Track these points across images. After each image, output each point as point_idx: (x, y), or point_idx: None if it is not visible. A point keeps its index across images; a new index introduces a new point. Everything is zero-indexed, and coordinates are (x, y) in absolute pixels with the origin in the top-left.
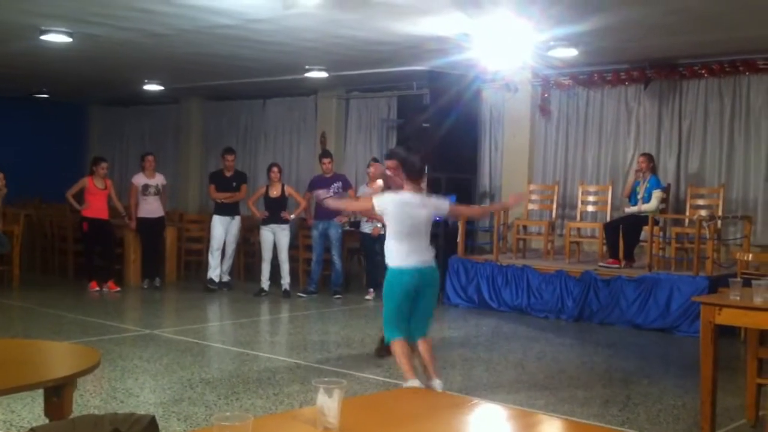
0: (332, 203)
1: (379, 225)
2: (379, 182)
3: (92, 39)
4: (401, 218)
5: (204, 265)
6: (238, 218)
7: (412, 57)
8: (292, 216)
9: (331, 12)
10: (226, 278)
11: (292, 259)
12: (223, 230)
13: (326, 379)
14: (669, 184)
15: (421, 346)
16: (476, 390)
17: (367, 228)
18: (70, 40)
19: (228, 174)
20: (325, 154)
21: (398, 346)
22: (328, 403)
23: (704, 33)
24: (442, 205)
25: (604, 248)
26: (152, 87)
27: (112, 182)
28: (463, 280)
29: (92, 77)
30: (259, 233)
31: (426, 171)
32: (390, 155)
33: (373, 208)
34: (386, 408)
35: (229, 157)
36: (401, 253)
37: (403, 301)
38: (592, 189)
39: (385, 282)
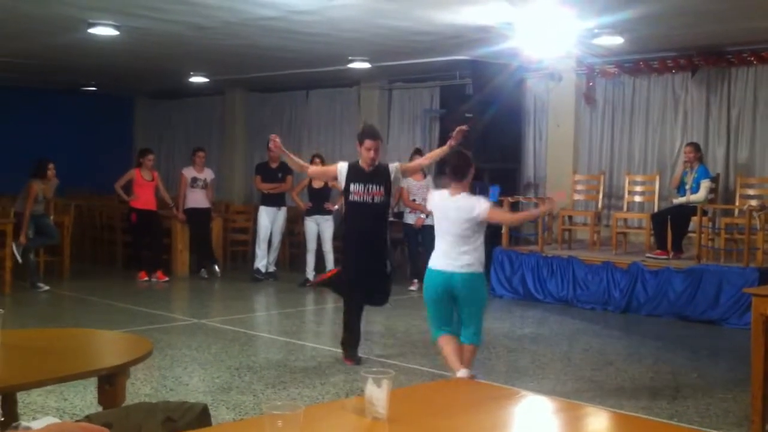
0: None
1: (422, 216)
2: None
3: (139, 32)
4: (437, 218)
5: (249, 256)
6: (284, 209)
7: (455, 47)
8: (336, 207)
9: (374, 2)
10: (272, 269)
11: (337, 250)
12: (269, 221)
13: (374, 369)
14: (718, 174)
15: (463, 348)
16: (522, 381)
17: (410, 219)
18: (117, 33)
19: (273, 165)
20: None
21: (441, 343)
22: (377, 393)
23: (753, 19)
24: (477, 208)
25: (652, 239)
26: (198, 79)
27: (159, 174)
28: (507, 271)
29: (139, 70)
30: (304, 224)
31: (468, 173)
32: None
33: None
34: (434, 399)
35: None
36: (435, 253)
37: (436, 302)
38: (638, 179)
39: None
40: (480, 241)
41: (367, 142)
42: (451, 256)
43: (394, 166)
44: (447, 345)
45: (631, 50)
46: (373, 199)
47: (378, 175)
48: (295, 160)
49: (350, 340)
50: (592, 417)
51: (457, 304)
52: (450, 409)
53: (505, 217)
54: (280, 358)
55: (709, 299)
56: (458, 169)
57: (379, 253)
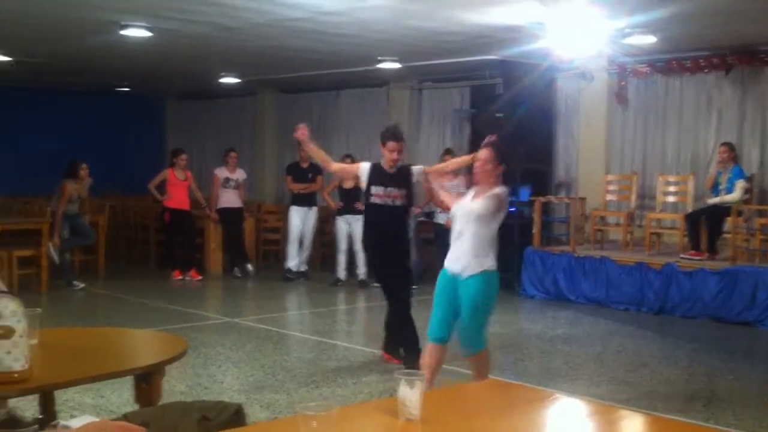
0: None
1: None
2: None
3: (170, 33)
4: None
5: (281, 255)
6: (314, 209)
7: (485, 46)
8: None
9: (403, 3)
10: (303, 268)
11: None
12: (300, 221)
13: (407, 370)
14: (753, 174)
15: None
16: (555, 383)
17: (440, 219)
18: (149, 34)
19: (304, 165)
20: None
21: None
22: (410, 394)
23: None
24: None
25: (686, 240)
26: (228, 80)
27: (191, 173)
28: (539, 271)
29: (170, 71)
30: (335, 224)
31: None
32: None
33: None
34: (467, 400)
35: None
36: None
37: (437, 301)
38: (672, 179)
39: None
40: (491, 238)
41: (390, 144)
42: (455, 255)
43: (417, 169)
44: (424, 355)
45: (663, 49)
46: (393, 201)
47: (399, 177)
48: (319, 153)
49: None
50: (627, 420)
51: (459, 307)
52: (483, 411)
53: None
54: (312, 357)
55: (744, 300)
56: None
57: (396, 255)
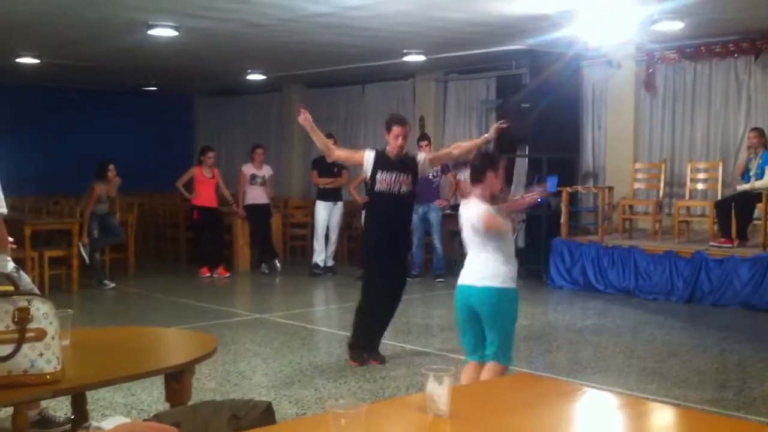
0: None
1: None
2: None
3: (197, 32)
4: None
5: (308, 250)
6: (340, 203)
7: (510, 36)
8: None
9: None
10: (330, 263)
11: None
12: (326, 215)
13: (435, 366)
14: None
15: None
16: (584, 374)
17: None
18: (176, 33)
19: (329, 159)
20: (423, 137)
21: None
22: (438, 390)
23: None
24: (476, 215)
25: (715, 227)
26: (255, 76)
27: (219, 171)
28: (567, 262)
29: (198, 69)
30: (361, 218)
31: (484, 175)
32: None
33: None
34: (495, 395)
35: (329, 141)
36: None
37: (459, 319)
38: (701, 166)
39: None
40: (501, 255)
41: (396, 128)
42: (469, 269)
43: (422, 156)
44: (462, 375)
45: (691, 35)
46: (399, 188)
47: (405, 164)
48: (321, 138)
49: (363, 340)
50: (657, 412)
51: (482, 321)
52: (512, 406)
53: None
54: (340, 352)
55: None
56: (474, 169)
57: (402, 246)
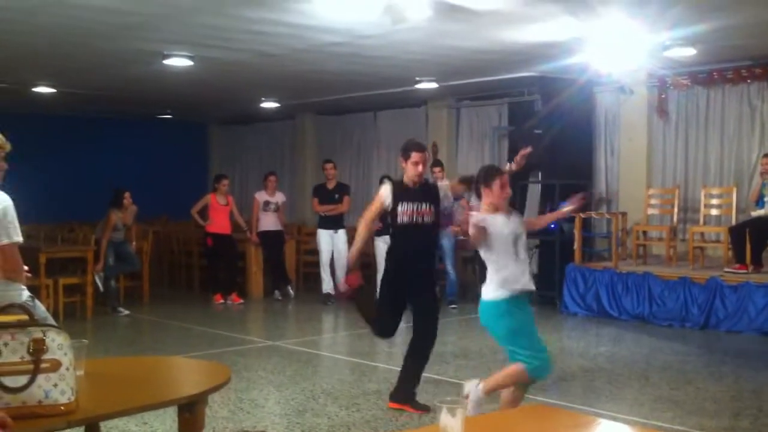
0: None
1: None
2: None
3: (211, 61)
4: None
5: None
6: (342, 231)
7: (522, 63)
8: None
9: (439, 24)
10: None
11: None
12: (329, 243)
13: (449, 398)
14: None
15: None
16: (598, 402)
17: None
18: (191, 63)
19: (330, 186)
20: (436, 163)
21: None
22: (451, 422)
23: None
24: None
25: (730, 253)
26: (268, 104)
27: (233, 198)
28: (581, 287)
29: (212, 97)
30: (374, 245)
31: (479, 184)
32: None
33: None
34: (510, 427)
35: (328, 167)
36: None
37: (531, 326)
38: (715, 192)
39: None
40: (493, 264)
41: (415, 155)
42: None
43: (444, 184)
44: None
45: (703, 61)
46: (423, 218)
47: (426, 192)
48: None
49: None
50: None
51: None
52: None
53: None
54: (353, 380)
55: None
56: (478, 181)
57: (429, 279)
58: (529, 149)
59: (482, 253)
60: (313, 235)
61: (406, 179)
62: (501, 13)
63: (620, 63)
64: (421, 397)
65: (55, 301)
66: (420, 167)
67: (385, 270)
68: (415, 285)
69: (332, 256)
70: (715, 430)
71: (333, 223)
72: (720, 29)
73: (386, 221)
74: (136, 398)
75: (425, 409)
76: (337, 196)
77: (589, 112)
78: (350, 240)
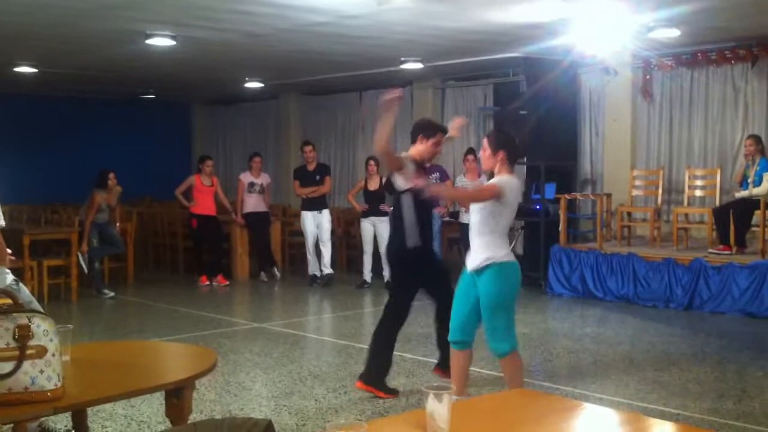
0: (435, 189)
1: None
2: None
3: (195, 41)
4: (513, 209)
5: (307, 259)
6: (326, 211)
7: (507, 44)
8: (392, 208)
9: (424, 4)
10: (327, 271)
11: None
12: (313, 225)
13: (435, 384)
14: None
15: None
16: (583, 384)
17: (466, 218)
18: (173, 43)
19: (310, 168)
20: None
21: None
22: (438, 408)
23: None
24: None
25: (714, 234)
26: (253, 84)
27: (218, 179)
28: (566, 269)
29: (195, 77)
30: (360, 226)
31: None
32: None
33: (483, 195)
34: (496, 412)
35: (307, 149)
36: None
37: (455, 302)
38: (699, 173)
39: None
40: (500, 230)
41: (440, 136)
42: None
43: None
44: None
45: (688, 42)
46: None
47: (427, 170)
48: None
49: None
50: (657, 429)
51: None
52: (512, 423)
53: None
54: (340, 362)
55: None
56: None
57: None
58: (462, 120)
59: (492, 213)
60: (299, 216)
61: (418, 157)
62: None
63: (605, 44)
64: (408, 379)
65: (39, 284)
66: (440, 148)
67: (405, 250)
68: (434, 260)
69: (317, 237)
70: (699, 412)
71: (316, 204)
72: (704, 10)
73: (372, 201)
74: (122, 384)
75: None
76: (318, 177)
77: (574, 93)
78: (347, 220)
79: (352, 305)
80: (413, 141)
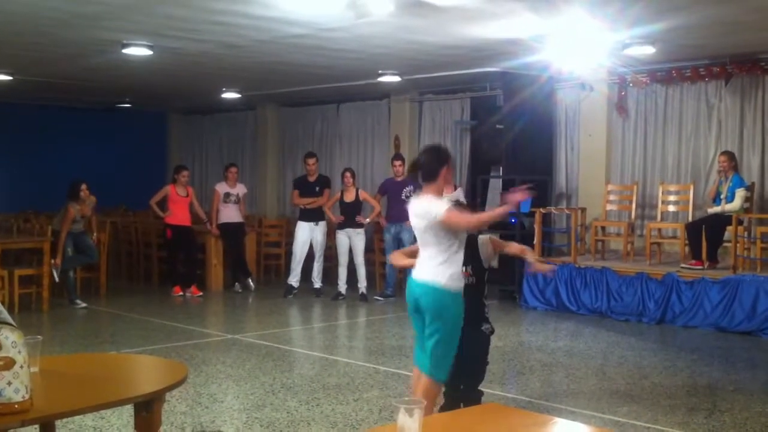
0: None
1: None
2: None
3: (172, 51)
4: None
5: (283, 270)
6: (322, 223)
7: (485, 59)
8: (367, 220)
9: (403, 19)
10: (318, 284)
11: (369, 263)
12: (307, 236)
13: (407, 398)
14: (753, 183)
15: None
16: (556, 397)
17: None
18: (150, 53)
19: (311, 179)
20: (397, 156)
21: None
22: (409, 423)
23: None
24: (434, 210)
25: (686, 249)
26: (230, 95)
27: (193, 189)
28: (540, 282)
29: (172, 87)
30: (335, 238)
31: (437, 173)
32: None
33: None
34: (466, 427)
35: (310, 161)
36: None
37: (411, 317)
38: (672, 188)
39: None
40: (448, 251)
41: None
42: (419, 265)
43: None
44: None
45: (663, 59)
46: None
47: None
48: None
49: None
50: None
51: (424, 323)
52: None
53: (460, 220)
54: (313, 374)
55: (745, 310)
56: (426, 168)
57: None
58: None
59: (441, 238)
60: (275, 227)
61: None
62: (464, 9)
63: (581, 60)
64: (382, 392)
65: (10, 293)
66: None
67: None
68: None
69: (310, 247)
70: (670, 426)
71: (314, 215)
72: (679, 28)
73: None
74: (91, 397)
75: None
76: (318, 188)
77: (551, 108)
78: (329, 232)
79: (326, 317)
80: (435, 178)
